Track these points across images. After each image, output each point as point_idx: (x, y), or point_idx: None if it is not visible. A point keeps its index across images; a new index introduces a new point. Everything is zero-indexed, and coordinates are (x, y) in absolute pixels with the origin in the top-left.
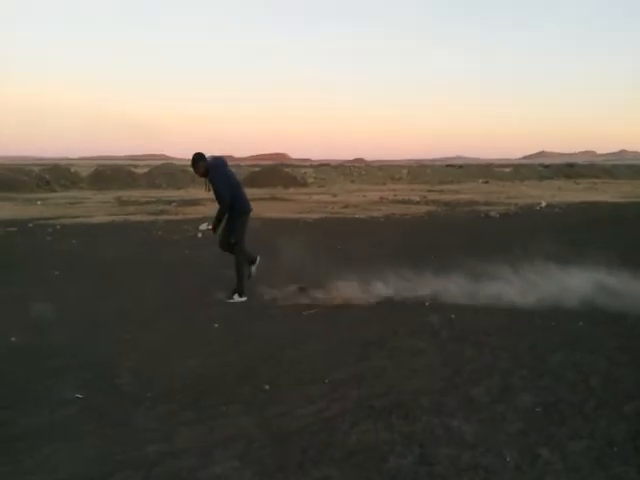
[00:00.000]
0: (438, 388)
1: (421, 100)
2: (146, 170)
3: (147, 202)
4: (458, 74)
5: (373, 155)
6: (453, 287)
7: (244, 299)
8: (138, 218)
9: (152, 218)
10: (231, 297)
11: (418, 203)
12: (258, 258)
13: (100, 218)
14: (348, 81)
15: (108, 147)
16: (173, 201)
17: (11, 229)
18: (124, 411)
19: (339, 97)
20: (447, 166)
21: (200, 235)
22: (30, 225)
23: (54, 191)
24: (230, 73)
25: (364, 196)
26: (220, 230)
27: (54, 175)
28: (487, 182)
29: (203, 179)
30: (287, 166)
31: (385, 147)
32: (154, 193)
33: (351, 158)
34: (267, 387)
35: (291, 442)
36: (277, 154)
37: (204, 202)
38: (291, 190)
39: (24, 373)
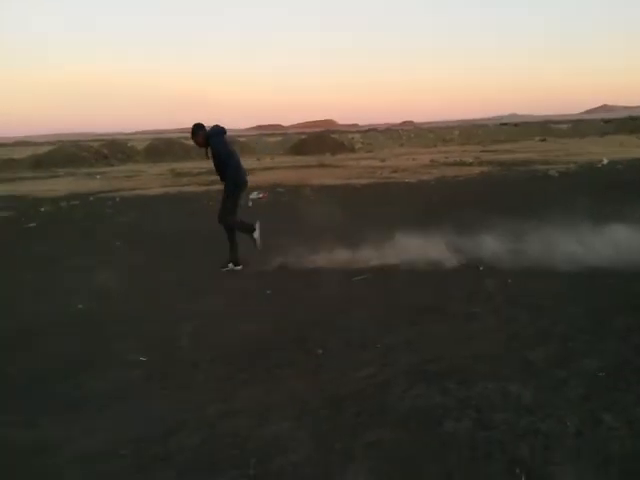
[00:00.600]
0: (494, 353)
1: (470, 58)
2: None
3: (199, 173)
4: (509, 27)
5: (422, 117)
6: (509, 251)
7: (239, 267)
8: (191, 189)
9: (204, 189)
10: (225, 266)
11: (471, 164)
12: (257, 224)
13: (155, 190)
14: (394, 43)
15: (161, 121)
16: None
17: (74, 202)
18: (184, 373)
19: (385, 61)
20: (501, 125)
21: (251, 204)
22: (91, 198)
23: (112, 165)
24: (276, 42)
25: (413, 160)
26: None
27: (112, 150)
28: (544, 140)
29: (203, 150)
30: (334, 132)
31: (435, 108)
32: (205, 164)
33: (399, 121)
34: (320, 351)
35: (344, 406)
36: (324, 121)
37: (254, 171)
38: (339, 156)
39: (91, 338)
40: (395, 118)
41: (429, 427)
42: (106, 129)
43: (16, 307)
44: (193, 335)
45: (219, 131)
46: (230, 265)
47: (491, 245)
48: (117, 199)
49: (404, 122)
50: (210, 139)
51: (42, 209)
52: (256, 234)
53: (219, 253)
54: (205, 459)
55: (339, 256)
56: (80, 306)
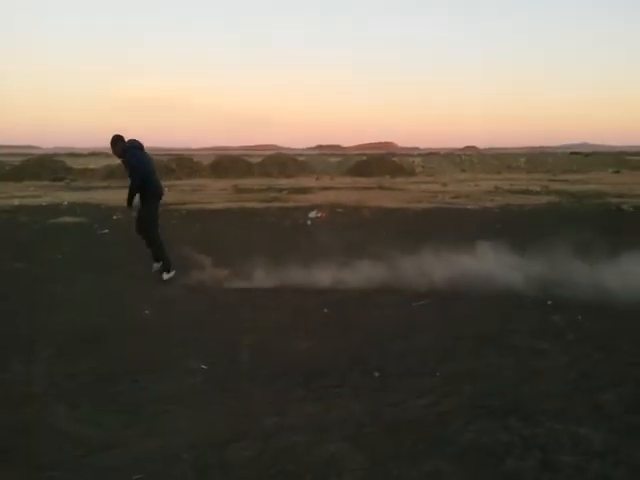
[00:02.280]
0: (562, 392)
1: (540, 82)
2: (259, 160)
3: (260, 190)
4: (582, 54)
5: (486, 143)
6: (580, 286)
7: (172, 273)
8: (252, 205)
9: (265, 205)
10: (161, 275)
11: (538, 193)
12: (172, 273)
13: (219, 205)
14: (458, 65)
15: (225, 138)
16: (284, 189)
17: None
18: (242, 385)
19: (449, 83)
20: (571, 154)
21: (309, 222)
22: (160, 209)
23: (179, 179)
24: (337, 65)
25: (476, 185)
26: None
27: (179, 164)
28: (618, 172)
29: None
30: (394, 155)
31: (500, 134)
32: (266, 181)
33: (461, 146)
34: (377, 375)
35: (402, 432)
36: (384, 143)
37: (313, 190)
38: (398, 179)
39: (155, 343)
40: (457, 142)
41: (491, 463)
42: (174, 144)
43: (90, 310)
44: (253, 348)
45: (135, 146)
46: (164, 274)
47: (561, 279)
48: (183, 212)
49: (467, 147)
50: (126, 152)
51: (114, 217)
52: (156, 265)
53: (278, 268)
54: (261, 471)
55: (399, 278)
56: (147, 312)
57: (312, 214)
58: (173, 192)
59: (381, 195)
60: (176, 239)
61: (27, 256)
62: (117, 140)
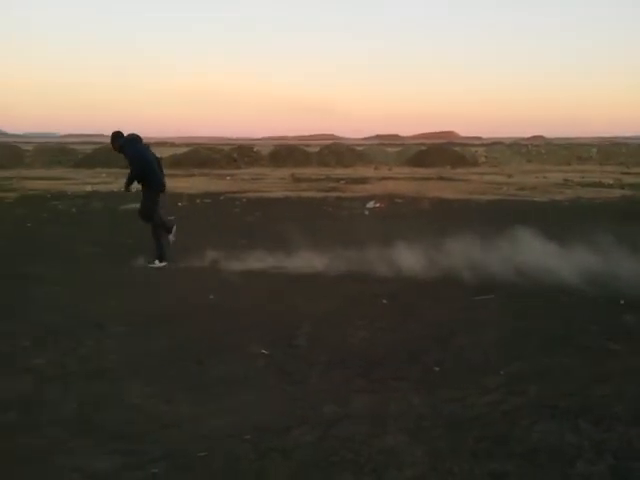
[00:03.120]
0: (635, 395)
1: (613, 66)
2: (317, 149)
3: (318, 179)
4: None
5: (554, 132)
6: None
7: (164, 264)
8: (310, 194)
9: (323, 194)
10: (152, 262)
11: (611, 186)
12: (174, 228)
13: (278, 193)
14: (523, 48)
15: (284, 128)
16: (342, 179)
17: (207, 200)
18: (302, 371)
19: (513, 68)
20: None
21: (367, 212)
22: (221, 198)
23: (240, 168)
24: (396, 52)
25: (544, 177)
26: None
27: (240, 153)
28: None
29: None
30: (456, 144)
31: (569, 123)
32: (324, 171)
33: (528, 136)
34: (437, 369)
35: (464, 429)
36: (445, 132)
37: (371, 180)
38: (460, 170)
39: (219, 327)
40: (523, 132)
41: (559, 466)
42: (236, 134)
43: (158, 292)
44: (312, 335)
45: (133, 139)
46: (156, 262)
47: (635, 278)
48: (244, 200)
49: (533, 136)
50: (125, 147)
51: (180, 204)
52: (171, 236)
53: (335, 256)
54: (320, 458)
55: (460, 271)
56: (211, 297)
57: (370, 204)
58: (234, 181)
59: (441, 186)
60: (237, 226)
61: (101, 241)
62: (116, 136)
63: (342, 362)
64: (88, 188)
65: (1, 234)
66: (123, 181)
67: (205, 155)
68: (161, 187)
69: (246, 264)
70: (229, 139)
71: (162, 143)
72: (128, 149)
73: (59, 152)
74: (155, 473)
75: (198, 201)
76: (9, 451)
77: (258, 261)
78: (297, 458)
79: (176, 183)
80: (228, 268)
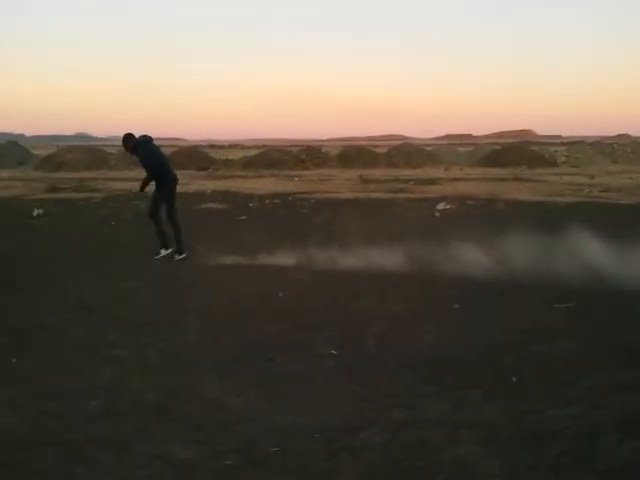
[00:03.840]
0: None
1: None
2: (385, 150)
3: (386, 180)
4: None
5: None
6: None
7: (169, 251)
8: (378, 195)
9: (391, 196)
10: (158, 253)
11: None
12: (168, 251)
13: (346, 194)
14: (604, 46)
15: (352, 129)
16: (411, 180)
17: (276, 200)
18: (372, 373)
19: (595, 65)
20: None
21: (437, 214)
22: (290, 198)
23: (308, 169)
24: (468, 49)
25: (630, 178)
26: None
27: (308, 155)
28: None
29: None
30: (533, 144)
31: None
32: (393, 172)
33: (612, 134)
34: (514, 379)
35: (543, 443)
36: (521, 130)
37: (441, 181)
38: (538, 170)
39: (288, 325)
40: (607, 130)
41: None
42: (304, 135)
43: (232, 290)
44: (381, 337)
45: (145, 140)
46: (162, 251)
47: None
48: (312, 200)
49: (618, 135)
50: (137, 148)
51: (250, 204)
52: (163, 252)
53: (405, 258)
54: (390, 462)
55: (538, 276)
56: (280, 294)
57: (440, 206)
58: (302, 182)
59: (517, 187)
60: (306, 226)
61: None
62: (127, 138)
63: (412, 366)
64: None
65: (87, 232)
66: (201, 182)
67: (275, 156)
68: (173, 181)
69: (315, 264)
70: (297, 140)
71: (233, 145)
72: (140, 150)
73: None
74: (229, 465)
75: (267, 202)
76: (93, 437)
77: (327, 261)
78: (366, 460)
79: (246, 184)
80: (297, 267)
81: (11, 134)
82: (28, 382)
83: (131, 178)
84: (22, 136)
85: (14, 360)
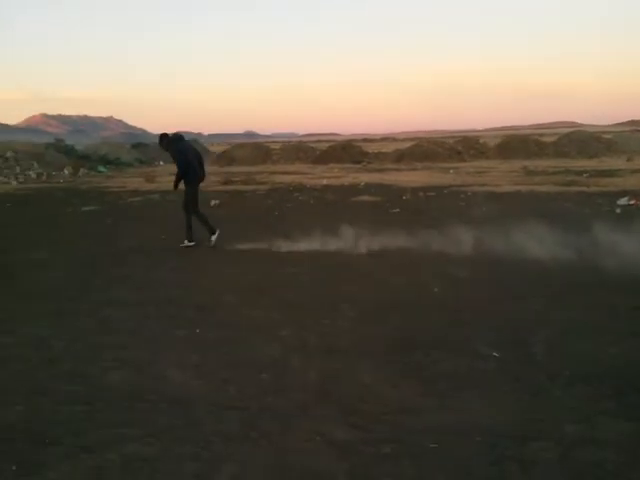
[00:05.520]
0: None
1: None
2: (554, 139)
3: (555, 172)
4: None
5: None
6: None
7: (193, 243)
8: (545, 189)
9: (560, 189)
10: (182, 243)
11: None
12: (217, 232)
13: (506, 187)
14: None
15: (513, 117)
16: (585, 171)
17: (430, 193)
18: (540, 382)
19: None
20: None
21: (619, 210)
22: (445, 191)
23: (464, 161)
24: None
25: None
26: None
27: (464, 146)
28: None
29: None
30: None
31: None
32: (562, 163)
33: None
34: None
35: None
36: None
37: (623, 173)
38: None
39: (443, 320)
40: None
41: None
42: (459, 126)
43: (387, 282)
44: (550, 344)
45: (177, 138)
46: (185, 242)
47: None
48: (469, 193)
49: None
50: (170, 146)
51: (404, 197)
52: (214, 237)
53: (584, 257)
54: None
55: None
56: (436, 289)
57: (622, 201)
58: (458, 174)
59: None
60: (464, 219)
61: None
62: (162, 137)
63: (588, 378)
64: (324, 182)
65: (256, 219)
66: (355, 175)
67: (428, 149)
68: (199, 179)
69: (472, 259)
70: (452, 131)
71: (386, 139)
72: (172, 147)
73: (299, 150)
74: (388, 453)
75: (421, 194)
76: (265, 407)
77: (485, 256)
78: (536, 475)
79: (400, 177)
80: (453, 261)
81: (191, 133)
82: (210, 351)
83: (291, 171)
84: (200, 135)
85: (198, 331)
